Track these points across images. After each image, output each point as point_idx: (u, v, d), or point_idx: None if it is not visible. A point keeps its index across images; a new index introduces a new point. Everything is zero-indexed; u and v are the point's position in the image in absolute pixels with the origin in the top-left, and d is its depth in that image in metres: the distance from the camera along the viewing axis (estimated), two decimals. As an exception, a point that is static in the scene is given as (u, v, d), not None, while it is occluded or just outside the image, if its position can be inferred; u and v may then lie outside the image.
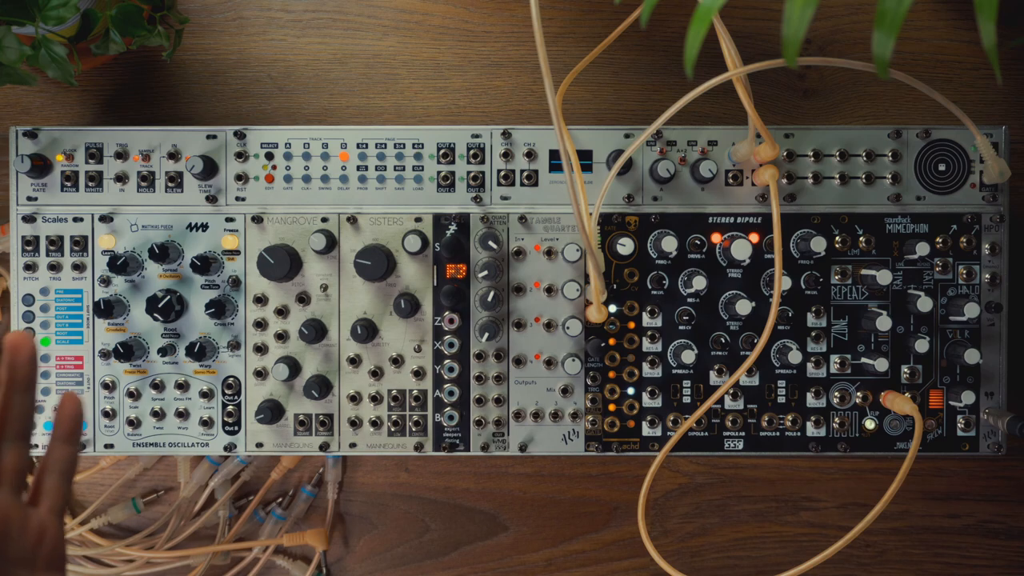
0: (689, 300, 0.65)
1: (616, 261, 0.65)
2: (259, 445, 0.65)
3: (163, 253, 0.63)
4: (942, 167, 0.64)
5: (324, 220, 0.65)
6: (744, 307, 0.62)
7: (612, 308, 0.65)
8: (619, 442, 0.65)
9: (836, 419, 0.65)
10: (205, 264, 0.63)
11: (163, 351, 0.64)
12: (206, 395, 0.65)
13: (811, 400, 0.65)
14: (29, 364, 0.43)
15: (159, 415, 0.65)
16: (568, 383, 0.65)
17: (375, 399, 0.65)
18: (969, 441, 0.65)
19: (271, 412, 0.63)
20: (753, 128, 0.60)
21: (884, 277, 0.62)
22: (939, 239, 0.64)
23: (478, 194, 0.64)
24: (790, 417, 0.65)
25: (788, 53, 0.38)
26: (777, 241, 0.60)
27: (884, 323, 0.62)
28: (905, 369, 0.64)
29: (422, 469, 0.73)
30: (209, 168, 0.63)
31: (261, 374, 0.65)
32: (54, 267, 0.64)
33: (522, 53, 0.72)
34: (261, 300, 0.65)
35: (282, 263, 0.63)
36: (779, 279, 0.60)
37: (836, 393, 0.64)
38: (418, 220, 0.65)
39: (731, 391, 0.65)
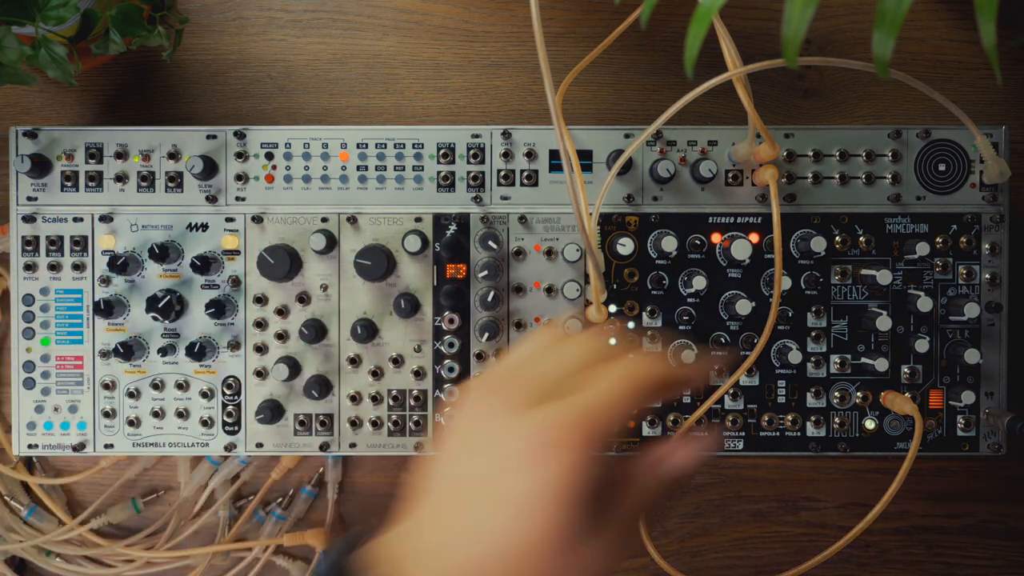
0: (689, 300, 0.65)
1: (616, 261, 0.65)
2: (259, 445, 0.65)
3: (163, 253, 0.63)
4: (942, 167, 0.64)
5: (324, 220, 0.65)
6: (744, 307, 0.62)
7: (612, 308, 0.65)
8: (619, 442, 0.65)
9: (836, 419, 0.65)
10: (205, 264, 0.63)
11: (163, 351, 0.64)
12: (206, 395, 0.65)
13: (811, 400, 0.65)
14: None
15: (159, 415, 0.65)
16: (568, 383, 0.65)
17: (375, 399, 0.65)
18: (969, 441, 0.65)
19: (271, 412, 0.63)
20: (753, 128, 0.60)
21: (884, 277, 0.62)
22: (939, 239, 0.64)
23: (478, 194, 0.64)
24: (790, 417, 0.65)
25: (788, 53, 0.38)
26: (777, 241, 0.60)
27: (884, 323, 0.62)
28: (905, 369, 0.64)
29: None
30: (209, 168, 0.63)
31: (261, 374, 0.65)
32: (54, 267, 0.64)
33: (522, 53, 0.72)
34: (261, 300, 0.65)
35: (282, 263, 0.63)
36: (779, 279, 0.60)
37: (836, 393, 0.64)
38: (418, 220, 0.65)
39: (731, 391, 0.65)
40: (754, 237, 0.64)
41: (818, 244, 0.62)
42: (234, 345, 0.65)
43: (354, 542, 0.40)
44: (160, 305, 0.62)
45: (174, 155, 0.64)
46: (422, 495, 0.40)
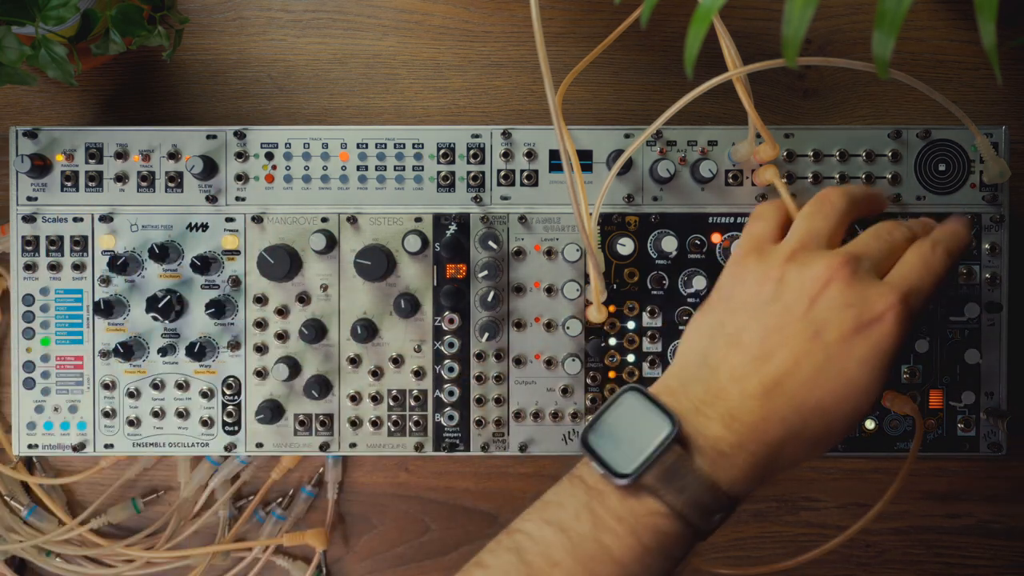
0: (689, 300, 0.65)
1: (616, 261, 0.65)
2: (259, 445, 0.65)
3: (163, 253, 0.63)
4: (942, 167, 0.64)
5: (324, 220, 0.65)
6: (744, 307, 0.62)
7: (612, 308, 0.65)
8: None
9: (836, 419, 0.65)
10: (205, 264, 0.63)
11: (163, 351, 0.64)
12: (206, 395, 0.65)
13: (811, 400, 0.65)
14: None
15: (159, 415, 0.65)
16: (568, 383, 0.65)
17: (375, 399, 0.65)
18: (969, 441, 0.65)
19: (271, 412, 0.63)
20: (753, 128, 0.60)
21: (884, 277, 0.62)
22: (939, 239, 0.64)
23: (478, 194, 0.64)
24: (790, 417, 0.65)
25: (788, 53, 0.38)
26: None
27: (884, 323, 0.62)
28: (905, 369, 0.64)
29: (422, 469, 0.73)
30: (209, 168, 0.63)
31: (261, 374, 0.65)
32: (54, 267, 0.64)
33: (522, 53, 0.72)
34: (261, 300, 0.65)
35: (282, 263, 0.63)
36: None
37: (836, 393, 0.64)
38: (418, 220, 0.65)
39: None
40: (754, 237, 0.64)
41: (818, 244, 0.62)
42: (234, 345, 0.65)
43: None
44: (160, 305, 0.63)
45: (174, 155, 0.64)
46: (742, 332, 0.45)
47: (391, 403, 0.65)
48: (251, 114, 0.72)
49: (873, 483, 0.72)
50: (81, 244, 0.64)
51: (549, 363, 0.65)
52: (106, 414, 0.65)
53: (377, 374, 0.65)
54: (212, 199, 0.64)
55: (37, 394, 0.65)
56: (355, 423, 0.65)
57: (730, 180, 0.65)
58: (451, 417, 0.65)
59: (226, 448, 0.65)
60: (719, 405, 0.43)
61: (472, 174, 0.64)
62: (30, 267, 0.64)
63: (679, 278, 0.64)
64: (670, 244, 0.63)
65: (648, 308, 0.64)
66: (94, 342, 0.65)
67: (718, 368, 0.44)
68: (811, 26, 0.71)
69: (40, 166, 0.63)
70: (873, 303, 0.43)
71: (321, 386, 0.64)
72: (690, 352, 0.46)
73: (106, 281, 0.64)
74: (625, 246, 0.63)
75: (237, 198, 0.65)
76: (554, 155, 0.65)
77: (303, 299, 0.65)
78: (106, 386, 0.65)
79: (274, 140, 0.65)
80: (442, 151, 0.65)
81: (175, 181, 0.64)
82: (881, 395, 0.46)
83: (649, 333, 0.64)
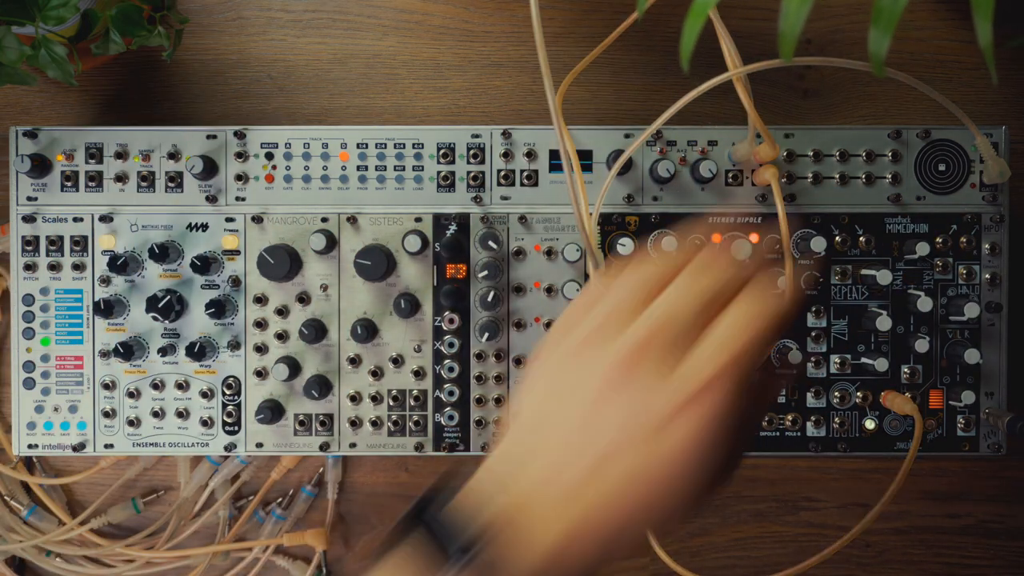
0: (689, 300, 0.64)
1: (616, 261, 0.65)
2: (259, 445, 0.65)
3: (163, 253, 0.63)
4: (942, 167, 0.64)
5: (324, 220, 0.65)
6: (744, 307, 0.62)
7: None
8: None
9: (836, 419, 0.65)
10: (205, 264, 0.63)
11: (163, 351, 0.64)
12: (206, 395, 0.65)
13: (811, 400, 0.65)
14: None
15: (159, 415, 0.65)
16: (568, 383, 0.65)
17: (375, 399, 0.65)
18: (969, 441, 0.65)
19: (271, 412, 0.63)
20: (753, 128, 0.60)
21: (884, 277, 0.62)
22: (939, 239, 0.64)
23: (478, 194, 0.64)
24: (790, 417, 0.65)
25: (784, 48, 0.37)
26: (785, 239, 0.60)
27: (884, 323, 0.62)
28: (905, 369, 0.64)
29: (422, 469, 0.73)
30: (209, 168, 0.63)
31: (261, 374, 0.65)
32: (54, 267, 0.64)
33: (522, 53, 0.72)
34: (261, 300, 0.65)
35: (282, 263, 0.63)
36: (790, 281, 0.60)
37: (836, 393, 0.64)
38: (418, 220, 0.65)
39: (731, 391, 0.65)
40: (754, 237, 0.64)
41: (818, 244, 0.62)
42: (234, 345, 0.65)
43: (441, 492, 0.39)
44: (160, 305, 0.63)
45: (174, 155, 0.64)
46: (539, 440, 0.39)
47: (391, 403, 0.65)
48: (251, 114, 0.72)
49: (873, 483, 0.72)
50: (81, 244, 0.64)
51: (549, 363, 0.65)
52: (106, 414, 0.65)
53: (377, 374, 0.65)
54: (212, 199, 0.64)
55: (37, 394, 0.65)
56: (355, 423, 0.65)
57: (730, 180, 0.65)
58: (451, 417, 0.65)
59: (226, 448, 0.65)
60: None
61: (472, 174, 0.64)
62: (30, 267, 0.64)
63: (679, 278, 0.64)
64: (670, 244, 0.63)
65: (648, 308, 0.64)
66: (94, 342, 0.65)
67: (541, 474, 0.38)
68: (811, 26, 0.71)
69: (40, 166, 0.63)
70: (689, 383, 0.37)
71: (321, 386, 0.64)
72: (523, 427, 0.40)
73: (106, 281, 0.64)
74: (625, 246, 0.63)
75: (237, 198, 0.65)
76: (554, 155, 0.65)
77: (303, 299, 0.65)
78: (106, 386, 0.65)
79: (274, 140, 0.65)
80: (442, 151, 0.65)
81: (175, 181, 0.64)
82: (722, 472, 0.39)
83: (649, 333, 0.64)
